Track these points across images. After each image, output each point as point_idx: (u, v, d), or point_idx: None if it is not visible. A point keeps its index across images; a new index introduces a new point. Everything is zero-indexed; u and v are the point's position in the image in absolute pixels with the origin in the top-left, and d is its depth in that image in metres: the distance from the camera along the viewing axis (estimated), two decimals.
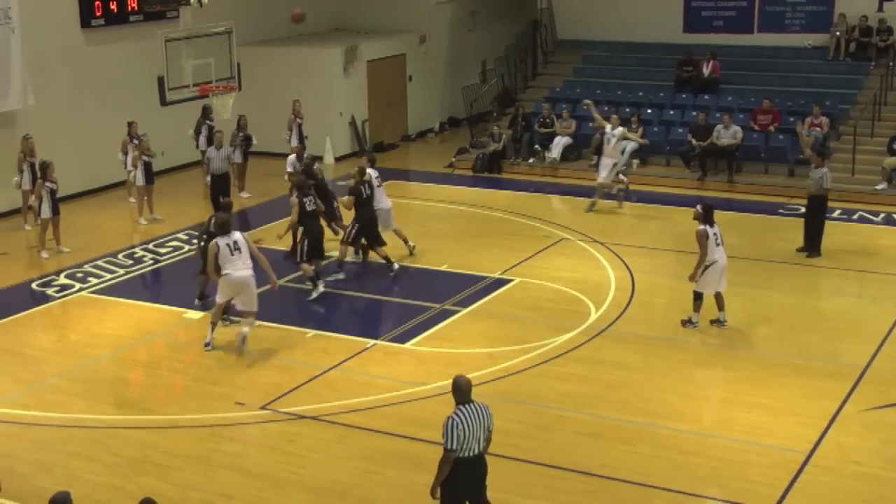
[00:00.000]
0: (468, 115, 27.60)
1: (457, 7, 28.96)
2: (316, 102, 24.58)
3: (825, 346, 14.20)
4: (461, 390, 8.73)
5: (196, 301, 15.57)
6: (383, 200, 17.52)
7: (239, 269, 13.73)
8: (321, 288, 15.91)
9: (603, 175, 20.56)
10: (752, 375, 13.17)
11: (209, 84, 19.27)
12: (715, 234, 14.30)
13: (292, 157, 19.07)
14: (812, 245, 17.61)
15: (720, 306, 14.56)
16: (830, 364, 13.50)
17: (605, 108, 24.33)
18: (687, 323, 14.62)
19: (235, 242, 13.77)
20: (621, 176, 21.59)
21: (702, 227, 14.23)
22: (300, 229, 16.30)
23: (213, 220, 14.68)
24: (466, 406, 8.68)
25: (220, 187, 19.55)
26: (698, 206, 14.49)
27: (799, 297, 16.00)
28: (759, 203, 21.07)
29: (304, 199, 15.97)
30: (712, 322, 14.60)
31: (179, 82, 18.94)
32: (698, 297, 14.48)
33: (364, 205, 16.62)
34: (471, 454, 8.68)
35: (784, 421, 11.93)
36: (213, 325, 14.29)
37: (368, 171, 17.03)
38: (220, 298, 14.20)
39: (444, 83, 28.87)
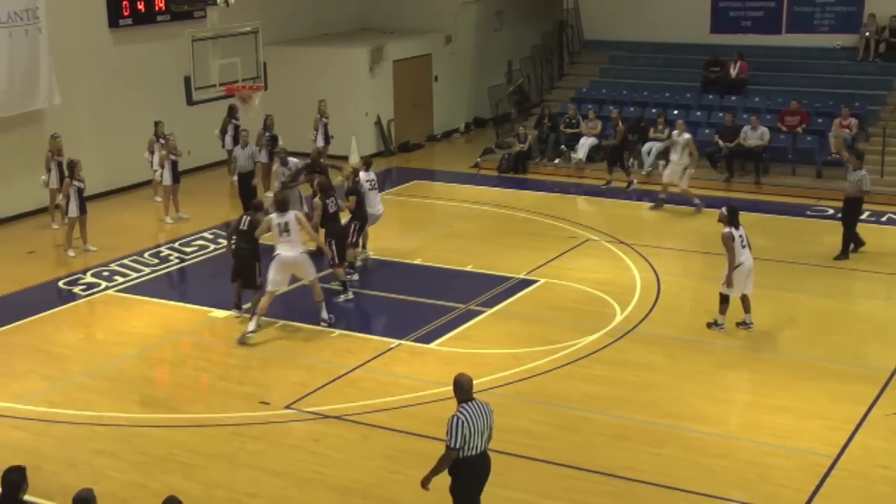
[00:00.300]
0: (494, 116, 27.56)
1: (483, 7, 28.92)
2: (342, 102, 24.62)
3: (852, 349, 14.08)
4: (463, 388, 8.80)
5: (234, 311, 15.36)
6: (378, 205, 17.51)
7: (287, 249, 14.32)
8: (350, 294, 15.95)
9: (682, 181, 20.21)
10: (778, 378, 13.08)
11: (235, 84, 19.32)
12: (741, 236, 14.20)
13: (276, 166, 18.48)
14: (845, 247, 17.48)
15: (746, 308, 14.47)
16: (858, 367, 13.38)
17: (632, 109, 24.31)
18: (713, 325, 14.54)
19: (287, 223, 14.36)
20: (632, 176, 22.04)
21: (727, 229, 14.13)
22: (321, 231, 16.30)
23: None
24: (469, 404, 8.75)
25: (246, 184, 19.72)
26: (723, 209, 14.39)
27: (826, 300, 15.87)
28: (786, 205, 20.93)
29: (327, 201, 15.99)
30: (738, 324, 14.51)
31: (206, 82, 19.02)
32: (724, 299, 14.38)
33: (358, 205, 16.68)
34: (475, 452, 8.74)
35: (810, 424, 11.84)
36: (258, 316, 14.34)
37: (361, 173, 17.14)
38: (270, 286, 14.31)
39: (469, 83, 28.83)
